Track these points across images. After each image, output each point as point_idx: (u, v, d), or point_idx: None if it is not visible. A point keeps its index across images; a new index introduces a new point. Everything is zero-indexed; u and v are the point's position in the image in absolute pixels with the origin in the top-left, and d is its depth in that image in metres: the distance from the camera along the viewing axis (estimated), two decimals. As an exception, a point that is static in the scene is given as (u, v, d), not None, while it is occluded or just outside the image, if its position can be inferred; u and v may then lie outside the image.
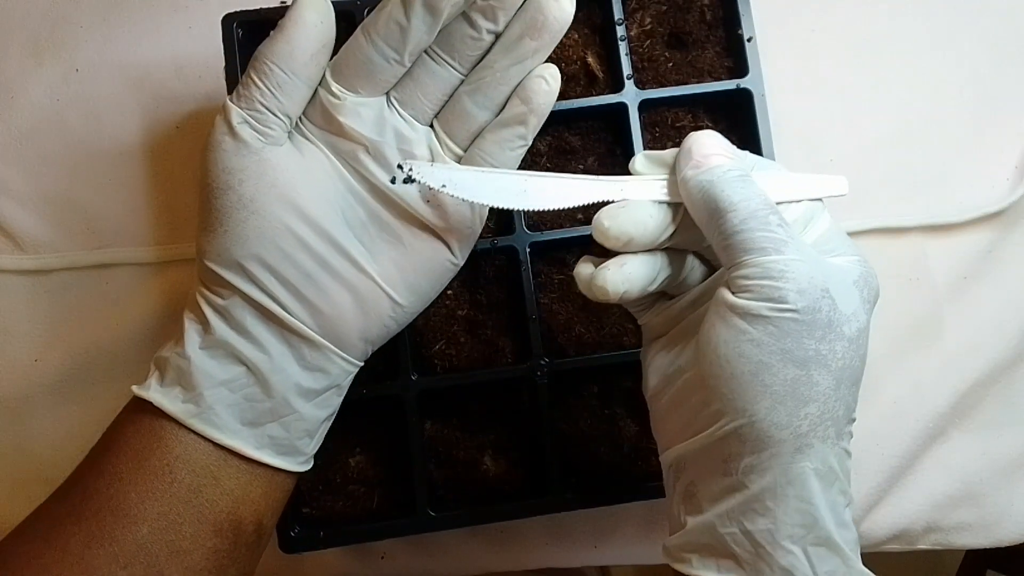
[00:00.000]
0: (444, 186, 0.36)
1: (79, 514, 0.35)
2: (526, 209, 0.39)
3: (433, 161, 0.39)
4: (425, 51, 0.38)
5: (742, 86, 0.48)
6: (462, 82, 0.39)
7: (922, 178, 0.53)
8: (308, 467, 0.41)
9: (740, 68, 0.49)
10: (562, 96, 0.48)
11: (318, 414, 0.39)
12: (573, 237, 0.47)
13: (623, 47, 0.48)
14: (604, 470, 0.47)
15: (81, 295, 0.50)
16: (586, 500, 0.46)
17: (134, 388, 0.38)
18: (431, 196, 0.39)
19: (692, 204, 0.33)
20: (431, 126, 0.40)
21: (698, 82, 0.49)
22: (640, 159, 0.36)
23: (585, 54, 0.49)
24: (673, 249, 0.36)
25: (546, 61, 0.39)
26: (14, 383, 0.50)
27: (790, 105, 0.52)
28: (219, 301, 0.37)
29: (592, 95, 0.48)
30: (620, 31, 0.48)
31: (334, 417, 0.41)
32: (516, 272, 0.47)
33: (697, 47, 0.49)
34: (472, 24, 0.37)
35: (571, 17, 0.38)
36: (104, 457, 0.37)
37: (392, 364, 0.47)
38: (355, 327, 0.39)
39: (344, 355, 0.39)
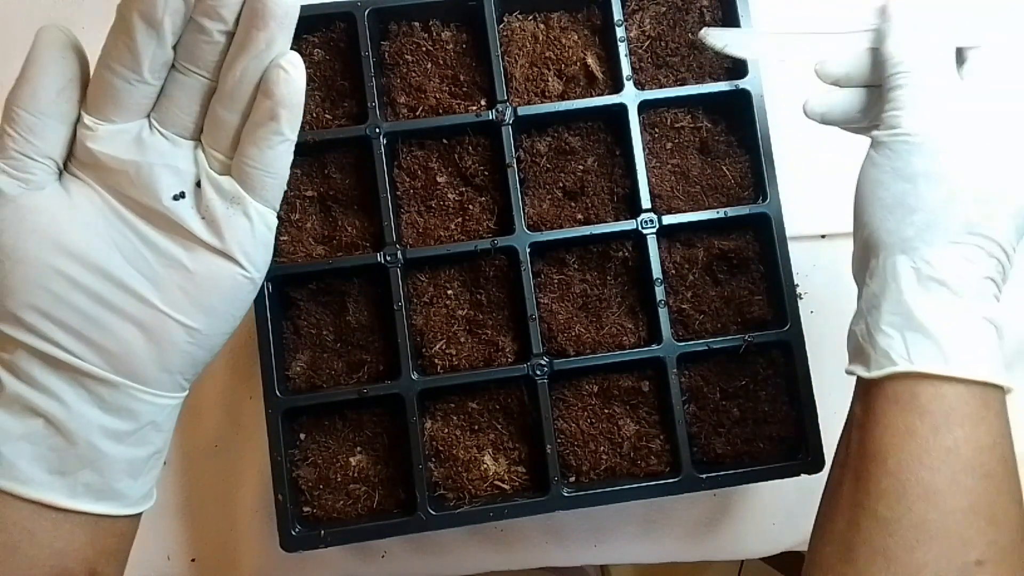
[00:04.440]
0: (726, 46, 0.43)
1: None
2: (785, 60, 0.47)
3: (199, 177, 0.38)
4: (173, 65, 0.37)
5: (741, 87, 0.48)
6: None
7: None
8: (144, 507, 0.39)
9: (739, 69, 0.49)
10: (562, 97, 0.49)
11: (136, 453, 0.38)
12: (573, 237, 0.48)
13: (623, 48, 0.48)
14: (604, 470, 0.48)
15: None
16: (586, 500, 0.46)
17: None
18: (207, 212, 0.38)
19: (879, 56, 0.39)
20: (201, 140, 0.39)
21: (698, 83, 0.49)
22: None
23: (585, 55, 0.49)
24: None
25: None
26: None
27: (789, 105, 0.52)
28: (5, 356, 0.36)
29: (592, 96, 0.49)
30: (620, 32, 0.48)
31: (163, 453, 0.39)
32: (516, 272, 0.47)
33: (696, 48, 0.50)
34: (201, 29, 0.36)
35: (295, 1, 0.37)
36: None
37: (392, 364, 0.47)
38: (150, 360, 0.37)
39: (149, 390, 0.37)
